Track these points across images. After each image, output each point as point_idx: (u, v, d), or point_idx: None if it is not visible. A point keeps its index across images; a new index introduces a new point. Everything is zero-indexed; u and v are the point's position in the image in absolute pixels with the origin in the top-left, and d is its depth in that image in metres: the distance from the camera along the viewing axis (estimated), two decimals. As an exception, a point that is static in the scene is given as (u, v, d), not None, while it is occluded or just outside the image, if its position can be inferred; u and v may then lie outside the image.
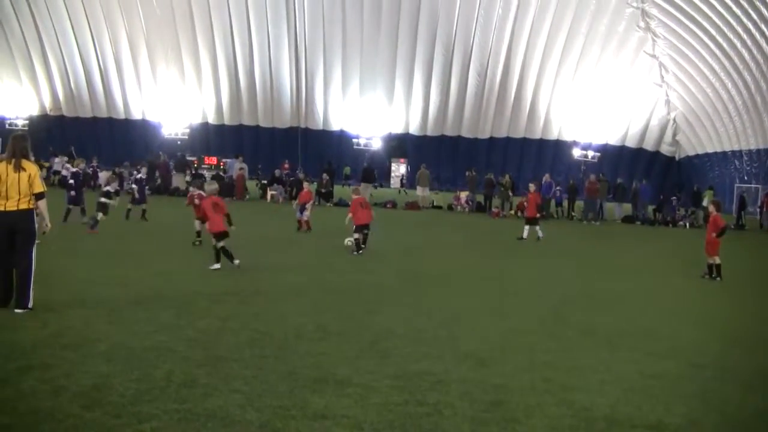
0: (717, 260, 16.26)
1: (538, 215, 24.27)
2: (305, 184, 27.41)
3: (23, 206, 9.03)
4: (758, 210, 39.46)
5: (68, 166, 31.48)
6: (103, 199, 19.73)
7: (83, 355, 7.20)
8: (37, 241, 9.30)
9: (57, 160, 40.53)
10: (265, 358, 7.50)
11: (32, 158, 9.48)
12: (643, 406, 6.64)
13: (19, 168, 9.00)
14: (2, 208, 8.93)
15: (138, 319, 8.90)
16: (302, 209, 21.99)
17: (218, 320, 9.13)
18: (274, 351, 7.81)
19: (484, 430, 5.82)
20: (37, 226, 9.32)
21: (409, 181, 54.23)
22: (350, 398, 6.36)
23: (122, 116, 61.29)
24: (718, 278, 16.12)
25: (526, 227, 23.33)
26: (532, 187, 25.86)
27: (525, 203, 25.45)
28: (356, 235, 17.31)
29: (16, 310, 8.87)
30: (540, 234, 23.13)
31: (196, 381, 6.57)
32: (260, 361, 7.34)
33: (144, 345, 7.70)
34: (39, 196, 9.20)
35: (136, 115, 61.07)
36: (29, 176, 9.05)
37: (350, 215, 17.66)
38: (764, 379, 8.01)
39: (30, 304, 8.96)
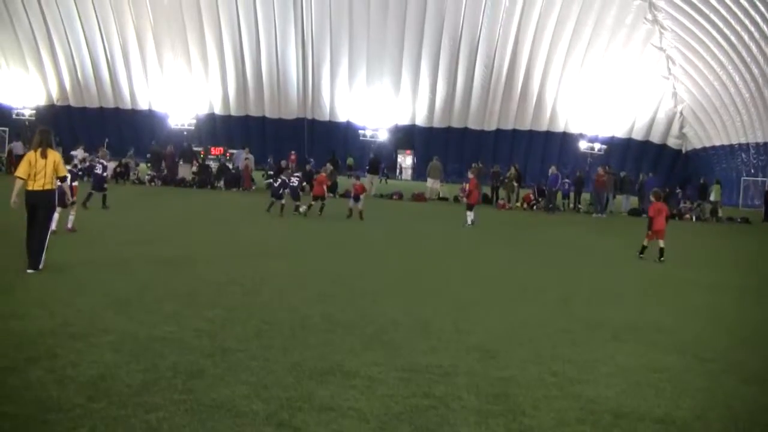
0: (661, 243, 17.96)
1: (473, 203, 24.98)
2: (357, 180, 26.72)
3: (48, 187, 11.10)
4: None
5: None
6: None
7: (90, 344, 7.21)
8: (53, 229, 11.58)
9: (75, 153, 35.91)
10: (271, 349, 7.51)
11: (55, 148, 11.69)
12: (649, 400, 6.63)
13: (45, 155, 11.05)
14: (31, 188, 10.99)
15: (144, 309, 8.91)
16: (356, 198, 24.50)
17: (225, 310, 9.13)
18: (280, 342, 7.81)
19: (491, 422, 5.81)
20: (57, 200, 11.61)
21: (417, 173, 53.95)
22: (356, 390, 6.35)
23: (129, 106, 61.32)
24: (641, 255, 18.19)
25: (467, 213, 24.21)
26: (470, 174, 26.43)
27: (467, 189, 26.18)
28: (312, 202, 24.12)
29: (29, 270, 10.71)
30: (473, 219, 23.95)
31: (202, 371, 6.58)
32: (267, 352, 7.34)
33: (150, 335, 7.71)
34: (63, 179, 11.54)
35: (143, 105, 61.08)
36: (54, 162, 11.15)
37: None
38: (771, 374, 7.98)
39: (41, 266, 10.87)
